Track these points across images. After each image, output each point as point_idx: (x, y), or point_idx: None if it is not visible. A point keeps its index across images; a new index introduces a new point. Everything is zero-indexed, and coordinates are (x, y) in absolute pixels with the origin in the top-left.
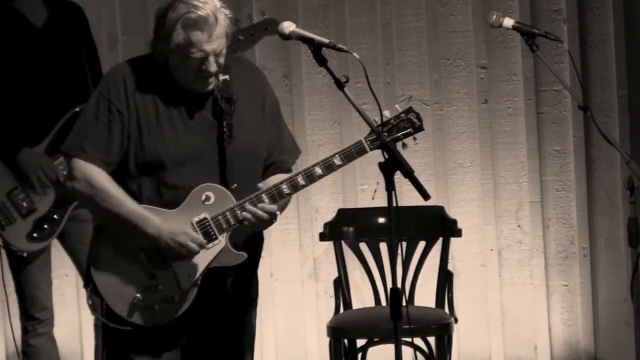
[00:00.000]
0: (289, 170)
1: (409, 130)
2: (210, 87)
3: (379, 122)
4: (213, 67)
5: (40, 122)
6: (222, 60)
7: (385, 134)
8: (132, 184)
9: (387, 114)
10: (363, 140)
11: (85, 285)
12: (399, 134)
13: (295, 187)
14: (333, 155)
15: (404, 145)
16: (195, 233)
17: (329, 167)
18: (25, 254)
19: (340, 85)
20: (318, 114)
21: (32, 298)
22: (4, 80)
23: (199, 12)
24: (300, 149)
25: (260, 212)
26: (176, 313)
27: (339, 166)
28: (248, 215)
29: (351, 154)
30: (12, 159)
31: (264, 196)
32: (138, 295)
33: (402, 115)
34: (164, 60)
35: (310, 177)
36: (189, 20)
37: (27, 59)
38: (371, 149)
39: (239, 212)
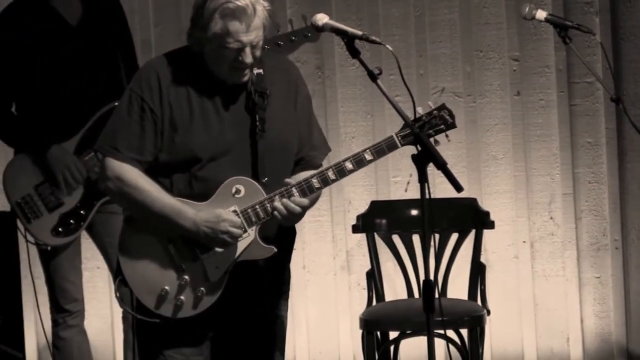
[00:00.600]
0: (317, 167)
1: (441, 127)
2: (245, 78)
3: (412, 118)
4: (249, 59)
5: (73, 119)
6: (258, 52)
7: (424, 118)
8: (164, 177)
9: (419, 110)
10: (394, 136)
11: (115, 277)
12: (431, 131)
13: (325, 181)
14: (364, 150)
15: (436, 142)
16: (234, 216)
17: (359, 161)
18: (49, 248)
19: (373, 77)
20: (351, 106)
21: (62, 290)
22: (38, 77)
23: (238, 3)
24: (330, 147)
25: (292, 205)
26: (203, 306)
27: (370, 161)
28: (279, 207)
29: (382, 149)
30: (42, 155)
31: (294, 190)
32: (166, 287)
33: (435, 112)
34: (200, 50)
35: (341, 172)
36: (228, 10)
37: (60, 56)
38: (402, 145)
39: (268, 205)
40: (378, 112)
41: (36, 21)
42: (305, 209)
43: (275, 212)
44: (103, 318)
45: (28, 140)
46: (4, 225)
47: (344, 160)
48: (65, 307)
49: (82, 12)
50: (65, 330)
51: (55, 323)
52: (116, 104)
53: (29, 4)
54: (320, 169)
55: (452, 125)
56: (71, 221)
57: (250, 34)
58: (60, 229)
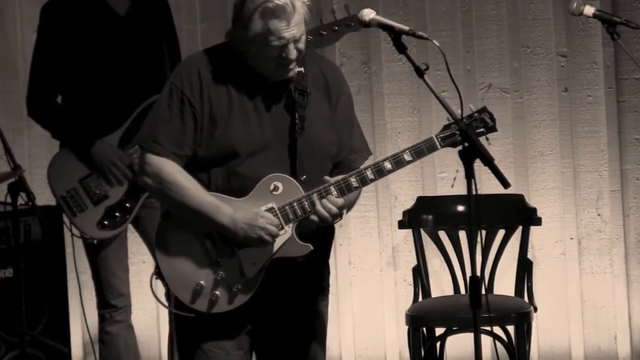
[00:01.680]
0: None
1: (481, 129)
2: (291, 73)
3: (459, 114)
4: (293, 54)
5: (117, 110)
6: (302, 45)
7: (465, 120)
8: (202, 173)
9: (459, 112)
10: (434, 137)
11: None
12: None
13: (363, 181)
14: (403, 151)
15: (487, 139)
16: (271, 215)
17: (398, 162)
18: (95, 241)
19: (420, 72)
20: (397, 102)
21: (108, 285)
22: (84, 67)
23: (277, 1)
24: (371, 151)
25: (329, 205)
26: (239, 301)
27: (409, 162)
28: (318, 207)
29: (421, 150)
30: (87, 152)
31: (332, 189)
32: (201, 282)
33: (476, 114)
34: (242, 49)
35: (379, 172)
36: (267, 9)
37: (107, 47)
38: (442, 146)
39: (306, 203)
40: (425, 107)
41: (85, 11)
42: (341, 209)
43: (312, 212)
44: (149, 312)
45: (72, 136)
46: (50, 219)
47: (383, 160)
48: (112, 302)
49: (130, 4)
50: (112, 326)
51: (101, 318)
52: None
53: None
54: (359, 169)
55: (493, 129)
56: (117, 214)
57: (292, 29)
58: (106, 222)
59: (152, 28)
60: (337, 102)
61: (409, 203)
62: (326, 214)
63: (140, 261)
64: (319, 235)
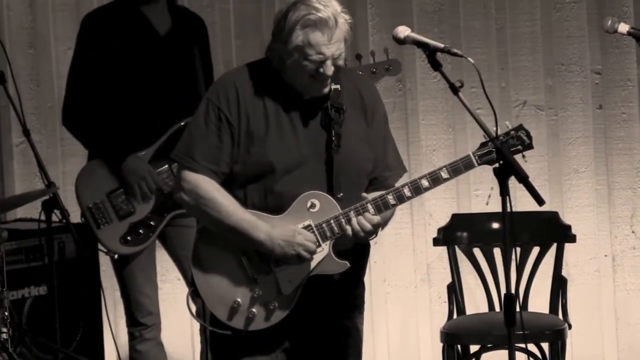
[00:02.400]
0: (391, 187)
1: (518, 147)
2: (326, 90)
3: (494, 130)
4: (330, 71)
5: (151, 128)
6: (340, 62)
7: (501, 138)
8: (239, 190)
9: (498, 130)
10: (471, 155)
11: (190, 288)
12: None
13: (400, 198)
14: (440, 168)
15: (523, 156)
16: (308, 232)
17: (435, 179)
18: (116, 256)
19: (454, 89)
20: (432, 119)
21: (137, 303)
22: (119, 82)
23: (320, 14)
24: (406, 168)
25: (364, 222)
26: (275, 319)
27: (446, 179)
28: (353, 224)
29: (459, 168)
30: (118, 164)
31: (369, 206)
32: (238, 299)
33: (512, 132)
34: (280, 64)
35: (417, 189)
36: (309, 21)
37: (146, 65)
38: (479, 164)
39: (343, 220)
40: (459, 124)
41: (126, 25)
42: (377, 227)
43: (348, 229)
44: (182, 330)
45: (105, 147)
46: (84, 236)
47: (420, 178)
48: (141, 320)
49: (171, 23)
50: (142, 344)
51: (131, 336)
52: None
53: (121, 8)
54: (396, 186)
55: (529, 146)
56: (140, 231)
57: (332, 45)
58: (129, 238)
59: (190, 48)
60: (373, 119)
61: (444, 220)
62: (361, 232)
63: (174, 278)
64: (355, 252)
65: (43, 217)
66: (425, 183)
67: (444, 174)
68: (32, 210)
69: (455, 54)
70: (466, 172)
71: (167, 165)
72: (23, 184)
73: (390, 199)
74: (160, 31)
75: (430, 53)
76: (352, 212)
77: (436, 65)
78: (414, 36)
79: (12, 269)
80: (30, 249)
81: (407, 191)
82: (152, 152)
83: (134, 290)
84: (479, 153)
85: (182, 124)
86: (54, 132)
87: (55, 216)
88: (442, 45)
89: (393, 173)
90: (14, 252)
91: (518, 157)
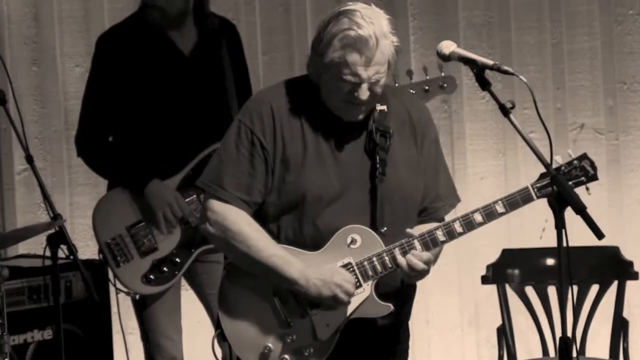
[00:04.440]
0: (441, 220)
1: (581, 178)
2: (361, 117)
3: (548, 157)
4: (364, 95)
5: (177, 155)
6: (379, 89)
7: (563, 168)
8: (272, 223)
9: (558, 159)
10: (530, 187)
11: (215, 331)
12: (570, 183)
13: (451, 235)
14: (495, 202)
15: (587, 189)
16: (347, 272)
17: (490, 214)
18: (137, 297)
19: (505, 111)
20: (480, 144)
21: (158, 346)
22: (144, 108)
23: (360, 32)
24: (460, 198)
25: (414, 260)
26: None
27: (502, 214)
28: (402, 262)
29: (516, 202)
30: (141, 191)
31: (417, 243)
32: (269, 344)
33: (575, 162)
34: (317, 79)
35: (469, 225)
36: (348, 38)
37: (170, 88)
38: (538, 197)
39: (387, 258)
40: (510, 150)
41: (147, 46)
42: (428, 264)
43: (398, 267)
44: None
45: (127, 173)
46: (94, 275)
47: (473, 212)
48: None
49: (196, 41)
50: None
51: None
52: None
53: (142, 28)
54: (447, 221)
55: (594, 178)
56: (165, 269)
57: (370, 69)
58: (151, 277)
59: (220, 65)
60: (423, 143)
61: (494, 256)
62: (411, 272)
63: (194, 322)
64: (400, 294)
65: (48, 253)
66: (478, 218)
67: (500, 208)
68: (36, 245)
69: (505, 72)
70: (524, 205)
71: (195, 195)
72: (26, 216)
73: (440, 235)
74: (184, 51)
75: (478, 71)
76: (397, 249)
77: (485, 84)
78: (460, 52)
79: (14, 311)
80: (34, 289)
81: (458, 226)
82: (178, 180)
83: (156, 332)
84: (538, 185)
85: (212, 149)
86: (60, 158)
87: (62, 252)
88: (491, 62)
89: (445, 204)
90: (16, 292)
91: (581, 190)
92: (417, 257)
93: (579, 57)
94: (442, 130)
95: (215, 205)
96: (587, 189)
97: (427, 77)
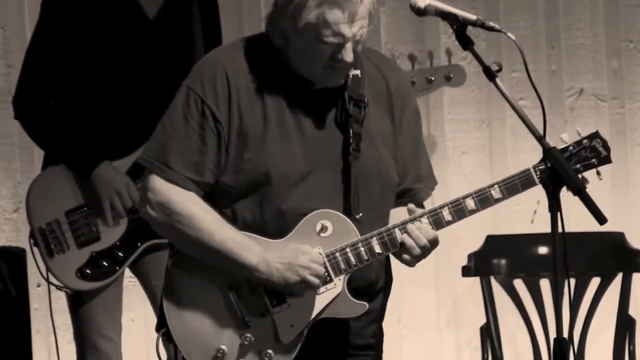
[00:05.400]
0: (421, 205)
1: (591, 161)
2: (343, 80)
3: (541, 129)
4: (350, 57)
5: (131, 132)
6: (360, 48)
7: (571, 149)
8: (226, 207)
9: (564, 137)
10: (532, 170)
11: (157, 330)
12: (579, 165)
13: (438, 224)
14: (491, 186)
15: (584, 180)
16: (314, 251)
17: (484, 200)
18: (69, 292)
19: (490, 74)
20: (461, 112)
21: (95, 348)
22: (98, 73)
23: None
24: (436, 181)
25: (418, 233)
26: None
27: (498, 200)
28: (407, 239)
29: (514, 186)
30: (88, 174)
31: (397, 232)
32: (223, 347)
33: (585, 141)
34: (284, 44)
35: (459, 212)
36: None
37: (128, 54)
38: (541, 182)
39: (363, 249)
40: (496, 120)
41: (106, 4)
42: (434, 244)
43: (400, 243)
44: None
45: (73, 151)
46: (13, 264)
47: (465, 197)
48: None
49: (163, 2)
50: None
51: None
52: None
53: None
54: (434, 207)
55: (607, 160)
56: (104, 263)
57: (355, 25)
58: (87, 271)
59: (187, 34)
60: (402, 116)
61: (476, 244)
62: (416, 247)
63: (128, 319)
64: (373, 290)
65: None
66: (470, 204)
67: (496, 194)
68: None
69: (491, 29)
70: (523, 191)
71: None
72: None
73: (425, 223)
74: (149, 12)
75: (459, 27)
76: (374, 238)
77: (466, 43)
78: (437, 5)
79: None
80: None
81: (446, 214)
82: (130, 162)
83: (92, 331)
84: (541, 167)
85: None
86: None
87: None
88: (474, 17)
89: (425, 185)
90: None
91: (591, 174)
92: (424, 232)
93: (578, 11)
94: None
95: (158, 184)
96: (598, 173)
97: (432, 65)
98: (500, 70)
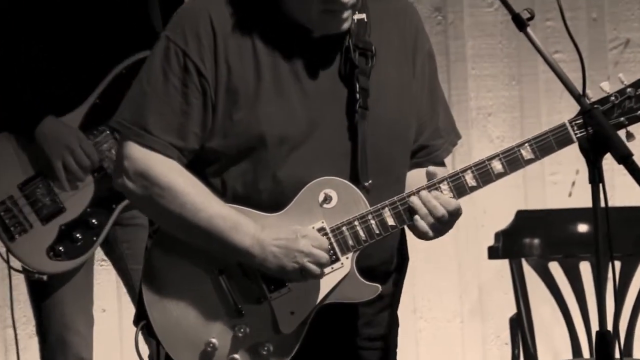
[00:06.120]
0: (441, 164)
1: (637, 113)
2: (345, 25)
3: (580, 87)
4: None
5: (79, 79)
6: None
7: (612, 99)
8: (213, 177)
9: (605, 86)
10: (568, 125)
11: (136, 323)
12: (623, 118)
13: (460, 190)
14: (520, 145)
15: (630, 135)
16: (318, 234)
17: (513, 161)
18: (45, 277)
19: (520, 23)
20: (487, 67)
21: (64, 344)
22: (32, 17)
23: None
24: (460, 134)
25: (434, 202)
26: None
27: (529, 162)
28: (420, 207)
29: (548, 145)
30: (30, 133)
31: (443, 186)
32: (213, 340)
33: (629, 90)
34: None
35: (485, 176)
36: None
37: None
38: (579, 139)
39: (374, 222)
40: (528, 76)
41: None
42: (455, 215)
43: (414, 212)
44: None
45: (8, 108)
46: None
47: (490, 159)
48: None
49: None
50: None
51: None
52: (143, 55)
53: None
54: (455, 171)
55: None
56: (77, 236)
57: None
58: (60, 248)
59: None
60: (415, 61)
61: (505, 220)
62: (431, 217)
63: (99, 309)
64: (387, 271)
65: None
66: (497, 166)
67: (527, 154)
68: None
69: None
70: (559, 150)
71: (108, 132)
72: None
73: (445, 190)
74: None
75: None
76: (387, 209)
77: None
78: None
79: None
80: None
81: (470, 178)
82: (82, 114)
83: (61, 325)
84: (579, 121)
85: (126, 65)
86: None
87: None
88: None
89: (445, 141)
90: None
91: (636, 128)
92: (443, 202)
93: None
94: (435, 50)
95: (136, 151)
96: None
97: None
98: (532, 18)
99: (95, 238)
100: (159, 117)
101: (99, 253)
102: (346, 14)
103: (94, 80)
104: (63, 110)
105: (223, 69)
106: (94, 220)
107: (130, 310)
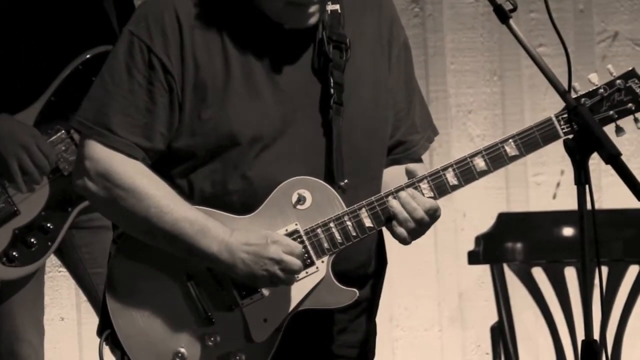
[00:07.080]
0: (418, 160)
1: (627, 105)
2: (312, 20)
3: (566, 82)
4: None
5: (33, 72)
6: None
7: (601, 91)
8: (180, 178)
9: (593, 78)
10: (554, 119)
11: (100, 332)
12: (612, 112)
13: (441, 189)
14: (504, 141)
15: (619, 129)
16: (290, 240)
17: (496, 158)
18: None
19: (503, 15)
20: (467, 62)
21: (13, 354)
22: None
23: None
24: (437, 130)
25: (413, 203)
26: None
27: (514, 158)
28: (399, 210)
29: (533, 140)
30: None
31: (423, 185)
32: (181, 349)
33: (619, 82)
34: None
35: (467, 174)
36: None
37: None
38: (566, 134)
39: (350, 223)
40: (510, 71)
41: None
42: (432, 216)
43: (392, 214)
44: None
45: None
46: None
47: (472, 156)
48: None
49: None
50: None
51: None
52: (104, 49)
53: None
54: (436, 169)
55: None
56: (32, 240)
57: None
58: (14, 253)
59: None
60: (390, 53)
61: (486, 223)
62: (410, 220)
63: (56, 317)
64: (365, 275)
65: None
66: (480, 164)
67: (511, 150)
68: None
69: None
70: (545, 146)
71: (64, 131)
72: None
73: (426, 189)
74: None
75: None
76: (364, 209)
77: None
78: None
79: None
80: None
81: (451, 177)
82: (37, 110)
83: (9, 335)
84: (565, 116)
85: (83, 60)
86: None
87: None
88: None
89: (422, 137)
90: None
91: (628, 122)
92: (420, 202)
93: None
94: (412, 43)
95: (99, 151)
96: (637, 120)
97: None
98: (515, 9)
99: (50, 243)
100: (123, 116)
101: (56, 259)
102: (313, 8)
103: (49, 76)
104: (16, 107)
105: (190, 64)
106: (49, 224)
107: (90, 318)
